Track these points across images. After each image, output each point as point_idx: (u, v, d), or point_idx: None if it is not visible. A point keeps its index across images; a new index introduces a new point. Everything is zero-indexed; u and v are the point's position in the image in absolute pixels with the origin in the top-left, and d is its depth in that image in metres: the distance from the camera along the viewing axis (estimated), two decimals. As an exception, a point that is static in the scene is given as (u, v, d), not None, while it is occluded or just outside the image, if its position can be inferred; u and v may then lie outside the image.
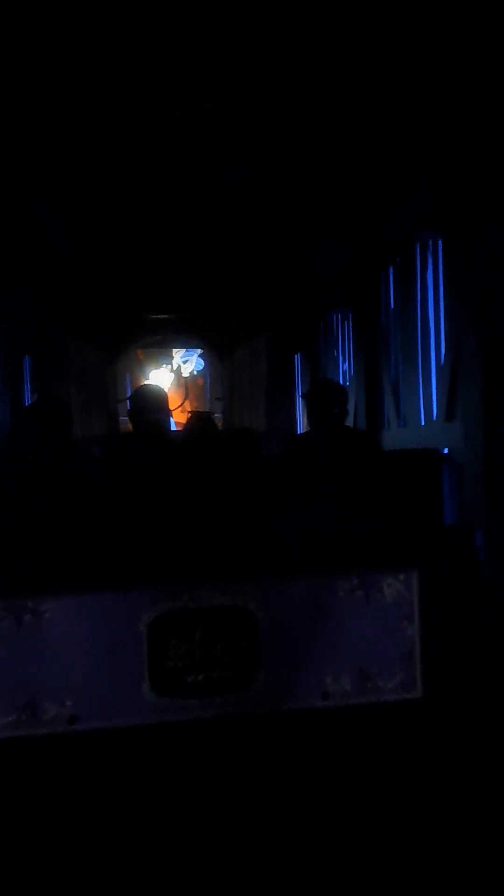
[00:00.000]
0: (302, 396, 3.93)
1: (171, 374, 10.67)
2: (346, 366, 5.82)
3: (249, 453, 2.64)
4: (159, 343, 9.56)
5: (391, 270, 4.76)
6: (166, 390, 3.21)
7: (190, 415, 3.38)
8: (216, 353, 8.87)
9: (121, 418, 8.73)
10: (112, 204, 4.62)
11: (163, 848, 1.97)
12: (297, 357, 7.59)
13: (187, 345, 9.37)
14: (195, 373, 11.17)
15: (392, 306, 4.73)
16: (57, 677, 2.01)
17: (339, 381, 5.65)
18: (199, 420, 3.21)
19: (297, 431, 7.34)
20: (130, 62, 3.13)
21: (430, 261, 4.25)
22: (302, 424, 7.38)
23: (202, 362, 10.58)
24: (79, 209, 4.68)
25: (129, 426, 2.85)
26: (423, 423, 4.24)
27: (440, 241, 4.14)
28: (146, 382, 8.48)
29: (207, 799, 2.05)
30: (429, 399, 4.16)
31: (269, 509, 2.31)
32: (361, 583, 2.21)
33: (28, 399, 6.17)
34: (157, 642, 2.08)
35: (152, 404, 2.69)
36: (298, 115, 3.53)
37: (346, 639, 2.18)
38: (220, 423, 7.58)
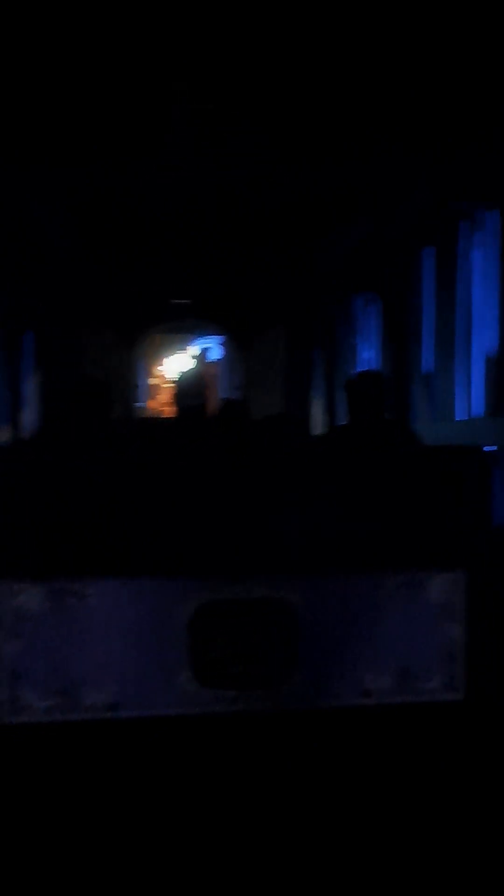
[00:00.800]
0: (343, 386, 3.89)
1: (190, 360, 10.61)
2: (368, 353, 5.59)
3: (287, 441, 2.60)
4: (177, 329, 9.52)
5: (428, 250, 4.46)
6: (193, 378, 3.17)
7: (223, 403, 3.34)
8: (235, 340, 8.82)
9: (136, 405, 8.69)
10: (129, 189, 4.58)
11: (197, 837, 1.95)
12: (318, 345, 7.48)
13: (206, 332, 9.32)
14: (211, 361, 11.12)
15: (428, 289, 4.51)
16: (98, 663, 1.99)
17: (356, 367, 5.37)
18: (232, 408, 3.17)
19: (309, 421, 7.28)
20: (131, 62, 3.10)
21: (478, 238, 3.95)
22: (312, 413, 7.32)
23: (219, 350, 10.53)
24: (90, 198, 4.63)
25: (143, 413, 2.82)
26: (462, 418, 4.09)
27: (494, 215, 3.80)
28: (188, 368, 8.43)
29: (243, 792, 2.03)
30: (467, 392, 4.01)
31: (310, 502, 2.28)
32: (407, 581, 2.18)
33: (27, 380, 6.08)
34: (200, 632, 2.05)
35: (194, 389, 2.66)
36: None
37: (388, 637, 2.15)
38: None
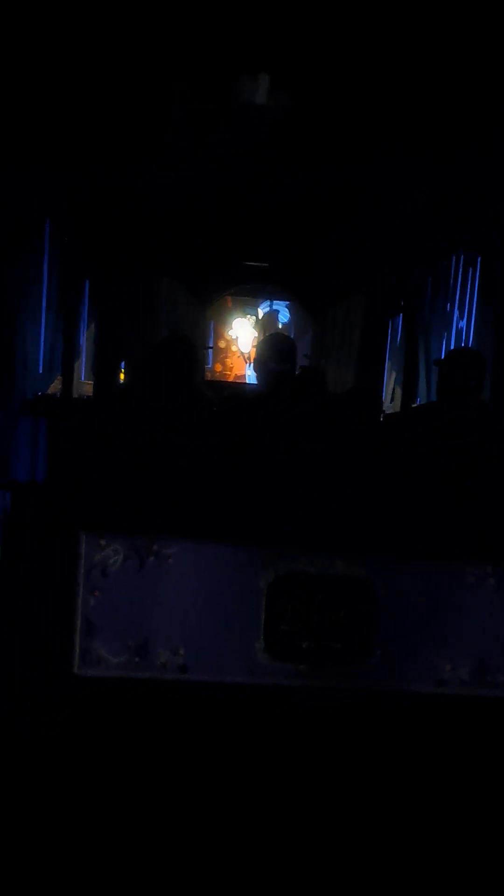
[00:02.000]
0: (434, 363, 3.68)
1: (256, 325, 10.49)
2: (463, 322, 5.03)
3: (372, 417, 2.51)
4: (250, 292, 9.39)
5: None
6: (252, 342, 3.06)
7: (302, 370, 3.26)
8: (307, 307, 8.64)
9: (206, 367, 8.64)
10: (208, 148, 4.43)
11: (256, 808, 1.94)
12: (398, 318, 7.12)
13: (279, 297, 9.16)
14: (280, 326, 10.97)
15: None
16: (173, 623, 1.98)
17: (448, 340, 4.83)
18: (310, 377, 3.08)
19: (382, 397, 7.04)
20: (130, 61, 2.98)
21: None
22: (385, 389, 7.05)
23: (287, 314, 10.35)
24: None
25: (211, 376, 2.75)
26: None
27: None
28: (275, 332, 8.31)
29: (303, 767, 2.00)
30: None
31: (397, 483, 2.20)
32: (494, 571, 2.09)
33: (84, 333, 5.90)
34: (275, 603, 2.01)
35: (280, 354, 2.57)
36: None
37: (469, 627, 2.08)
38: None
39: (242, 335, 10.06)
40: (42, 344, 4.16)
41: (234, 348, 10.11)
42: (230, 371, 9.78)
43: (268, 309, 10.85)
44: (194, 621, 1.98)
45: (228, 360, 10.04)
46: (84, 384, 6.49)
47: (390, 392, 6.56)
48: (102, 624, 1.95)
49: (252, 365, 2.67)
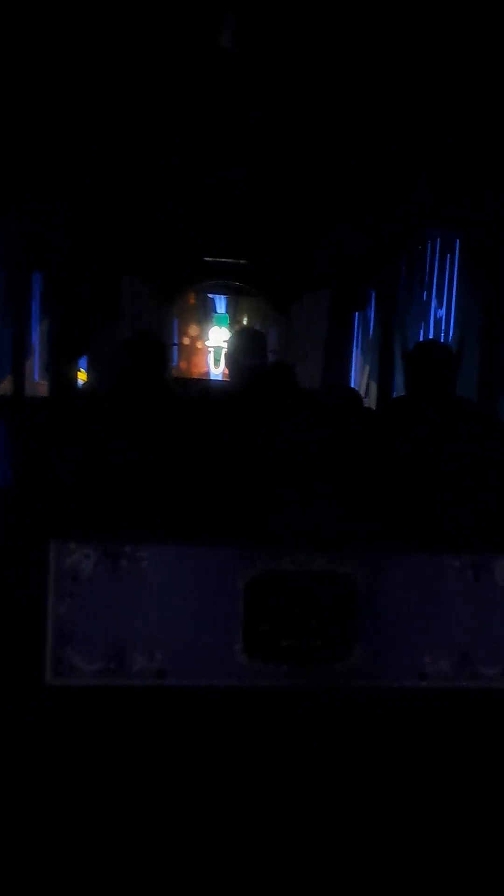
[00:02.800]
0: (402, 357, 3.65)
1: (227, 322, 10.42)
2: (442, 311, 4.79)
3: (348, 413, 2.48)
4: (214, 289, 9.31)
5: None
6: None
7: (272, 365, 3.21)
8: (273, 302, 8.60)
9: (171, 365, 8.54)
10: (174, 143, 4.35)
11: (240, 814, 1.89)
12: (369, 311, 7.02)
13: (244, 292, 9.09)
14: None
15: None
16: (148, 628, 1.91)
17: (426, 331, 4.55)
18: (280, 371, 3.04)
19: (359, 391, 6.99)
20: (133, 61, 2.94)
21: None
22: (357, 383, 7.01)
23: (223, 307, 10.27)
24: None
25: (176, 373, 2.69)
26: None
27: None
28: (244, 325, 8.20)
29: (287, 769, 1.96)
30: None
31: (374, 475, 2.16)
32: (472, 563, 2.07)
33: (36, 330, 5.57)
34: (254, 603, 1.96)
35: (251, 349, 2.52)
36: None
37: (449, 619, 2.05)
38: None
39: (215, 331, 9.93)
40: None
41: (198, 345, 10.03)
42: (195, 368, 9.70)
43: (234, 304, 10.74)
44: (171, 625, 1.92)
45: (193, 358, 9.96)
46: (38, 384, 6.20)
47: (364, 386, 6.51)
48: (75, 631, 1.88)
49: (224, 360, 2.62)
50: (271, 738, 1.95)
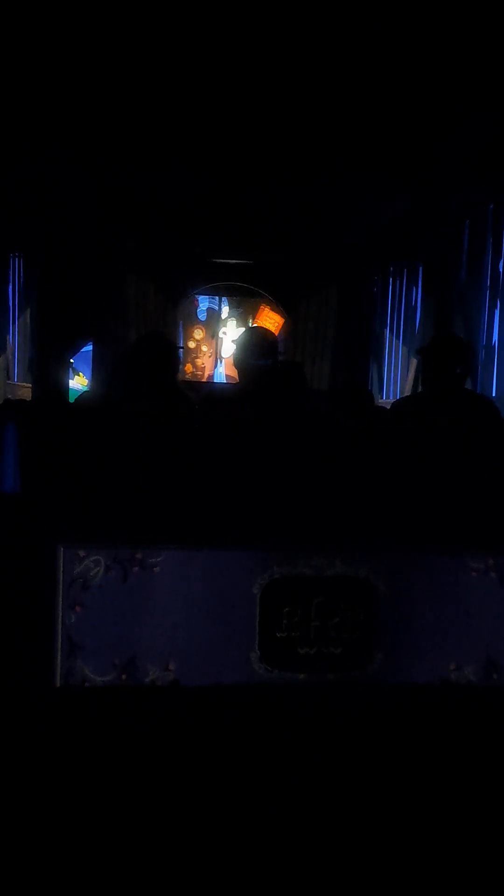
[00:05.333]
0: (417, 352, 3.60)
1: (230, 323, 10.34)
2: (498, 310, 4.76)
3: (361, 414, 2.41)
4: (220, 290, 9.25)
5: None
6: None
7: (282, 364, 3.14)
8: (281, 303, 8.54)
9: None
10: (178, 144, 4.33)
11: (254, 826, 1.82)
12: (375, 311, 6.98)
13: (250, 293, 9.03)
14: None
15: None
16: (161, 637, 1.84)
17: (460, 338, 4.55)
18: (291, 372, 2.97)
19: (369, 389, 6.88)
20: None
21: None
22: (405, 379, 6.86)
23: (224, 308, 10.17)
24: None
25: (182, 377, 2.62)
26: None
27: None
28: (254, 325, 8.11)
29: (309, 783, 1.89)
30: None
31: (392, 475, 2.09)
32: (496, 564, 1.99)
33: (14, 329, 5.22)
34: (270, 609, 1.89)
35: (261, 349, 2.45)
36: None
37: (473, 624, 1.98)
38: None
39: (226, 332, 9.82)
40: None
41: (203, 348, 9.96)
42: (201, 371, 9.63)
43: (239, 305, 10.62)
44: (184, 633, 1.85)
45: (199, 361, 9.89)
46: (20, 387, 5.72)
47: (410, 382, 6.36)
48: (85, 641, 1.81)
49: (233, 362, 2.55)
50: (290, 750, 1.88)
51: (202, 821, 1.80)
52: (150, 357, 2.09)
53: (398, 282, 6.34)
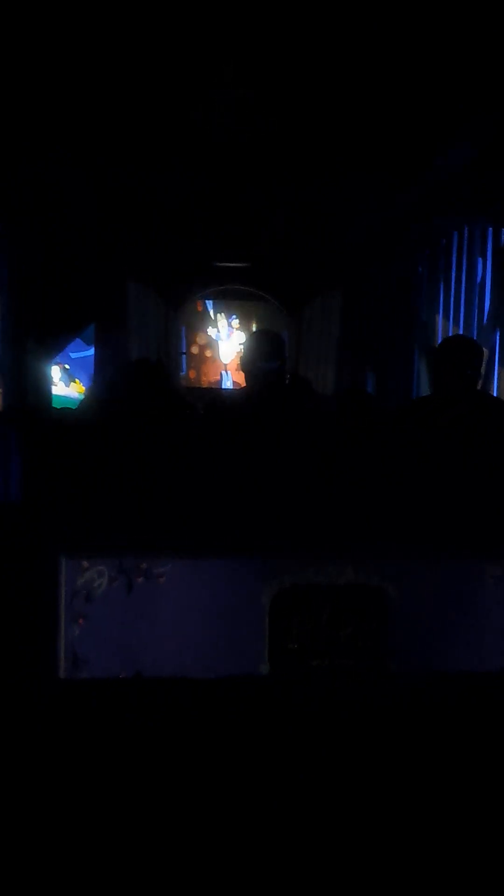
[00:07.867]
0: (428, 353, 3.53)
1: (234, 328, 10.31)
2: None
3: (365, 417, 2.35)
4: (224, 294, 9.21)
5: None
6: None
7: (291, 377, 3.09)
8: (285, 307, 8.49)
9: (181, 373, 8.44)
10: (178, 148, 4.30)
11: (262, 844, 1.76)
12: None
13: (254, 297, 8.99)
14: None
15: None
16: (168, 649, 1.79)
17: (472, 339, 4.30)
18: (297, 385, 2.92)
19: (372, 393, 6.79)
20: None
21: None
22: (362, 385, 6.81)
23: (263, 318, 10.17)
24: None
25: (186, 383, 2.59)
26: None
27: None
28: (262, 328, 8.05)
29: (321, 797, 1.83)
30: None
31: (403, 481, 2.03)
32: (511, 571, 1.94)
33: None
34: (280, 620, 1.84)
35: (269, 352, 2.40)
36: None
37: (490, 631, 1.92)
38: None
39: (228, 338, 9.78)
40: None
41: (207, 353, 9.92)
42: (205, 377, 9.59)
43: (244, 310, 10.55)
44: (192, 646, 1.80)
45: (203, 366, 9.85)
46: None
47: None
48: (89, 655, 1.76)
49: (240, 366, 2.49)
50: (302, 765, 1.82)
51: (204, 821, 1.74)
52: (139, 381, 2.05)
53: (455, 254, 4.89)
